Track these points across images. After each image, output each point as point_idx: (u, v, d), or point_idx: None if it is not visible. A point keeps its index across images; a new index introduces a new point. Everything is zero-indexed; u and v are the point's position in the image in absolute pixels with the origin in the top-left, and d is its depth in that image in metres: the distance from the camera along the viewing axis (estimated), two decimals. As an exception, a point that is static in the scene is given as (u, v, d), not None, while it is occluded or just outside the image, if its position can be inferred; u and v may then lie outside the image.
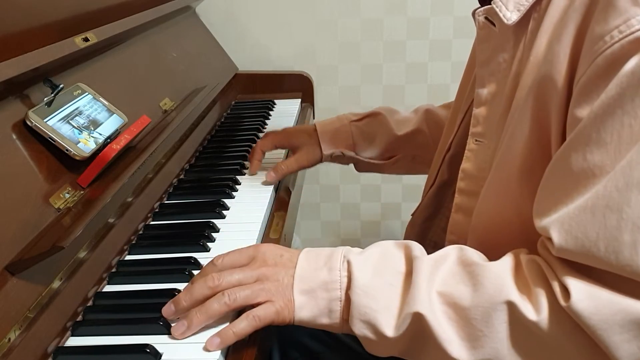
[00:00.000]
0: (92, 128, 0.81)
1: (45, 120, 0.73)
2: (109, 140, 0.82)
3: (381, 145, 1.04)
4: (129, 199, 0.86)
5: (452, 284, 0.60)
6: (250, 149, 1.17)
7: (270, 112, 1.43)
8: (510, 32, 0.65)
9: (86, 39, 0.87)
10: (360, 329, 0.61)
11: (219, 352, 0.61)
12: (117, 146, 0.81)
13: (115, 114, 0.88)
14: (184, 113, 1.03)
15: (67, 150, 0.75)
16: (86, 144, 0.78)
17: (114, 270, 0.77)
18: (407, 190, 1.79)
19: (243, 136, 1.25)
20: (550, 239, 0.55)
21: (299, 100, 1.52)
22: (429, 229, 0.90)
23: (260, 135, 1.27)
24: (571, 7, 0.57)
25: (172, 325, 0.63)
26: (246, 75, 1.59)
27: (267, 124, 1.35)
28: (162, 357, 0.61)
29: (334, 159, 1.04)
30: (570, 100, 0.56)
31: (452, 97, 0.90)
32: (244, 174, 1.05)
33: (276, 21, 1.64)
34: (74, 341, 0.65)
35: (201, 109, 1.19)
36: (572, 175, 0.54)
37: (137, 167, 0.81)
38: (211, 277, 0.64)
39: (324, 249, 0.67)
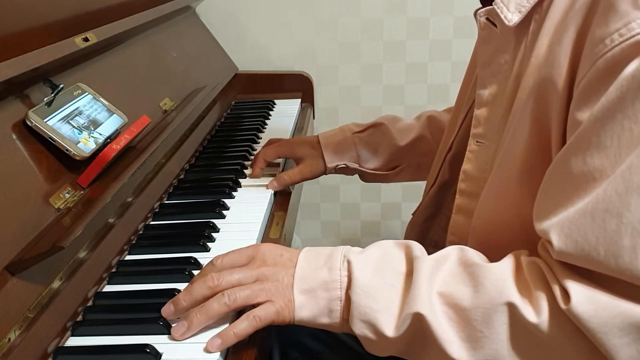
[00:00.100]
0: (92, 128, 0.81)
1: (45, 120, 0.73)
2: (109, 140, 0.82)
3: (384, 156, 1.04)
4: (129, 199, 0.86)
5: (452, 285, 0.60)
6: (250, 149, 1.17)
7: (270, 112, 1.43)
8: (512, 33, 0.65)
9: (86, 39, 0.87)
10: (360, 329, 0.61)
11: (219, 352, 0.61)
12: (117, 146, 0.81)
13: (115, 114, 0.88)
14: (184, 113, 1.03)
15: (67, 150, 0.74)
16: (86, 144, 0.78)
17: (114, 270, 0.77)
18: (407, 190, 1.79)
19: (243, 136, 1.25)
20: (550, 242, 0.55)
21: (299, 100, 1.52)
22: (430, 229, 0.90)
23: (261, 135, 1.27)
24: (572, 10, 0.57)
25: (172, 325, 0.63)
26: (246, 75, 1.59)
27: (267, 124, 1.35)
28: (162, 357, 0.61)
29: (337, 170, 1.04)
30: (571, 103, 0.56)
31: (452, 97, 0.90)
32: (244, 174, 1.05)
33: (276, 21, 1.64)
34: (74, 341, 0.65)
35: (201, 109, 1.18)
36: (572, 178, 0.54)
37: (137, 167, 0.81)
38: (211, 277, 0.64)
39: (324, 248, 0.67)
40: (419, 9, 1.61)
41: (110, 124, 0.85)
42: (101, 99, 0.87)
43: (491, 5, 0.66)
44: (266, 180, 1.01)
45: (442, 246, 0.69)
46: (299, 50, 1.66)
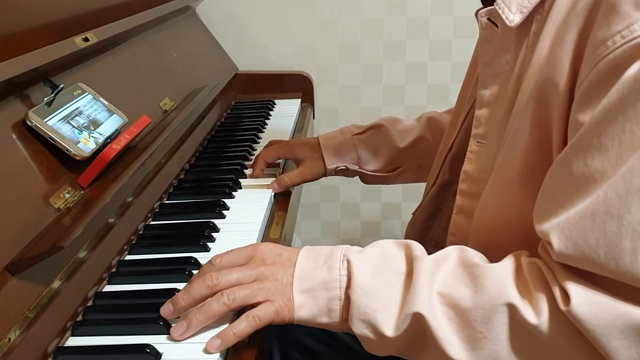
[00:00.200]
0: (92, 128, 0.81)
1: (45, 120, 0.73)
2: (109, 140, 0.82)
3: (384, 157, 1.04)
4: (129, 199, 0.86)
5: (452, 285, 0.60)
6: (250, 149, 1.17)
7: (270, 112, 1.43)
8: (513, 33, 0.65)
9: (86, 39, 0.87)
10: (359, 329, 0.61)
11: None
12: (117, 146, 0.81)
13: (115, 114, 0.88)
14: (184, 113, 1.03)
15: (67, 150, 0.75)
16: (86, 144, 0.78)
17: (114, 270, 0.77)
18: (407, 190, 1.79)
19: (243, 136, 1.25)
20: (550, 244, 0.55)
21: (299, 100, 1.52)
22: (430, 228, 0.90)
23: (261, 135, 1.27)
24: (573, 11, 0.57)
25: (172, 325, 0.63)
26: (246, 75, 1.59)
27: (267, 124, 1.35)
28: (162, 357, 0.61)
29: (338, 172, 1.04)
30: (572, 105, 0.56)
31: (452, 97, 0.90)
32: (244, 174, 1.06)
33: (276, 21, 1.64)
34: (74, 341, 0.65)
35: (201, 109, 1.19)
36: (573, 180, 0.54)
37: (137, 167, 0.81)
38: (209, 276, 0.64)
39: (324, 247, 0.67)
40: (419, 9, 1.61)
41: (110, 124, 0.85)
42: (101, 99, 0.87)
43: (492, 5, 0.66)
44: (266, 180, 1.01)
45: (443, 246, 0.68)
46: (299, 50, 1.66)
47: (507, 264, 0.60)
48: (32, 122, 0.72)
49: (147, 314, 0.66)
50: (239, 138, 1.24)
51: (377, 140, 1.04)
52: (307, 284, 0.63)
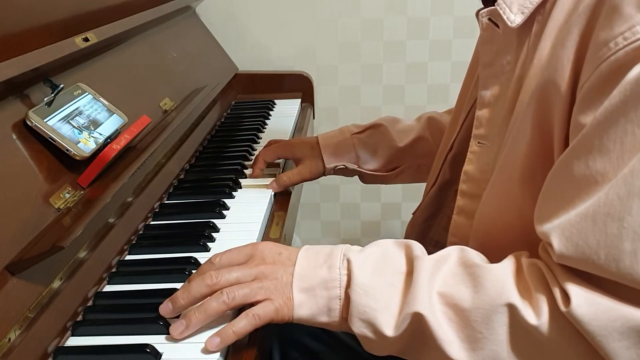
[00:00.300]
0: (92, 128, 0.81)
1: (45, 120, 0.73)
2: (109, 140, 0.82)
3: (383, 157, 1.03)
4: (129, 199, 0.86)
5: (452, 285, 0.60)
6: (250, 149, 1.17)
7: (270, 112, 1.43)
8: (514, 34, 0.65)
9: (86, 39, 0.87)
10: (359, 328, 0.61)
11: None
12: (117, 146, 0.81)
13: (115, 114, 0.88)
14: (184, 113, 1.03)
15: (67, 150, 0.75)
16: (86, 144, 0.78)
17: (114, 270, 0.77)
18: (407, 190, 1.79)
19: (243, 136, 1.25)
20: (550, 245, 0.55)
21: (299, 100, 1.52)
22: (430, 228, 0.90)
23: (261, 135, 1.27)
24: (575, 12, 0.57)
25: (171, 324, 0.63)
26: (246, 75, 1.59)
27: (267, 124, 1.35)
28: (162, 357, 0.61)
29: (337, 171, 1.04)
30: (574, 106, 0.56)
31: (452, 97, 0.90)
32: (244, 174, 1.06)
33: (276, 21, 1.64)
34: (74, 341, 0.65)
35: (201, 109, 1.19)
36: (574, 181, 0.54)
37: (137, 167, 0.81)
38: (209, 275, 0.64)
39: (324, 246, 0.67)
40: (419, 9, 1.61)
41: (110, 124, 0.85)
42: (101, 99, 0.87)
43: (493, 5, 0.65)
44: (266, 180, 1.01)
45: (443, 245, 0.68)
46: (299, 50, 1.66)
47: (507, 265, 0.60)
48: (32, 122, 0.72)
49: (147, 314, 0.65)
50: (239, 138, 1.24)
51: (376, 139, 1.04)
52: (307, 283, 0.63)
